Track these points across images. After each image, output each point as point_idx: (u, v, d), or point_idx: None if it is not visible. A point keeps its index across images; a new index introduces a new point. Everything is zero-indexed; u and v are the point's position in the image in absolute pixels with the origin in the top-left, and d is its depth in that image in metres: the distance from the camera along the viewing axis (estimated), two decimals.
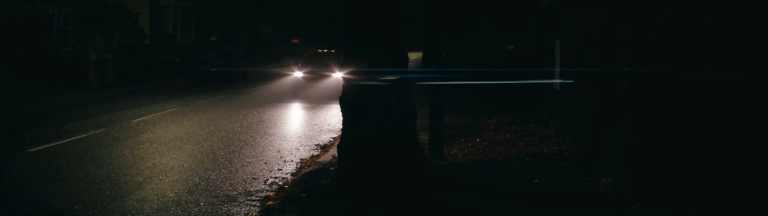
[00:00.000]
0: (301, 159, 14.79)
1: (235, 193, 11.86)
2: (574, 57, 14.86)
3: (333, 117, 21.43)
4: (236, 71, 36.31)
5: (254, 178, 12.93)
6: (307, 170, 13.09)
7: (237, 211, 10.80)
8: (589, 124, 12.91)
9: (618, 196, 10.33)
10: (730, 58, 9.42)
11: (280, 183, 12.47)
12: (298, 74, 28.10)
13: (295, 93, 27.72)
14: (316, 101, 25.93)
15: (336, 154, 11.56)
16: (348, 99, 10.71)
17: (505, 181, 11.58)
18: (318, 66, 28.24)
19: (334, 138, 17.26)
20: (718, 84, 9.46)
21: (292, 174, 13.26)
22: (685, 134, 9.58)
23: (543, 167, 12.58)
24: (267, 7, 52.48)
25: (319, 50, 32.55)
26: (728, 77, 9.44)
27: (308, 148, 16.25)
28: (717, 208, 9.36)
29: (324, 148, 16.12)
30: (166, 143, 16.61)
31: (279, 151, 15.73)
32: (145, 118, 21.07)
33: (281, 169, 13.74)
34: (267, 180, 12.80)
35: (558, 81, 16.92)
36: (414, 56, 12.81)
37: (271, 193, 11.74)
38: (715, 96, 9.40)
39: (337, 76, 26.13)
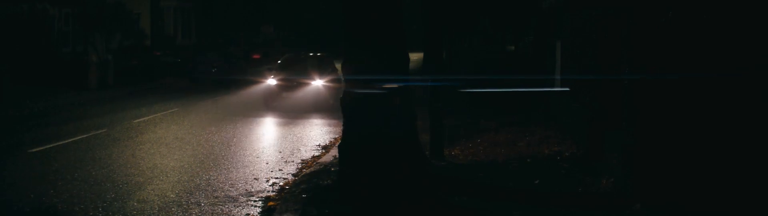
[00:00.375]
0: (302, 159, 14.79)
1: (236, 193, 11.87)
2: (574, 57, 14.87)
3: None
4: (236, 69, 36.07)
5: (255, 179, 12.95)
6: (308, 171, 13.10)
7: (238, 211, 10.81)
8: (589, 124, 12.91)
9: (618, 196, 10.33)
10: (730, 57, 9.43)
11: (281, 183, 12.48)
12: (271, 82, 24.27)
13: (268, 105, 24.00)
14: (299, 112, 22.98)
15: (336, 154, 11.56)
16: (348, 101, 10.72)
17: (506, 181, 11.59)
18: (295, 72, 24.39)
19: (335, 138, 17.27)
20: (719, 83, 9.46)
21: (293, 174, 13.27)
22: (685, 134, 9.58)
23: (543, 167, 12.58)
24: (267, 7, 52.47)
25: (299, 53, 28.91)
26: (729, 75, 9.44)
27: (309, 148, 16.26)
28: (717, 208, 9.36)
29: (325, 148, 16.13)
30: (167, 144, 16.62)
31: (280, 152, 15.74)
32: (145, 118, 21.08)
33: (282, 170, 13.75)
34: (268, 180, 12.82)
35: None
36: (415, 57, 12.80)
37: (272, 194, 11.76)
38: (715, 95, 9.41)
39: (318, 84, 23.75)
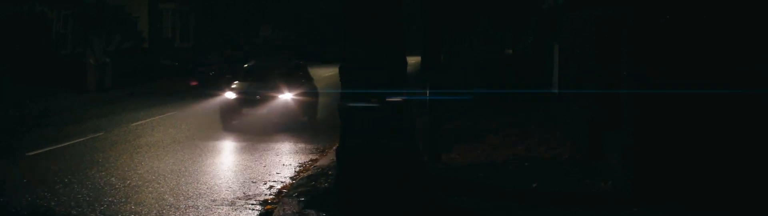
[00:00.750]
0: (299, 163, 14.69)
1: (233, 197, 11.80)
2: (574, 57, 14.80)
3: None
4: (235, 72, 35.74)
5: (253, 182, 12.87)
6: (305, 174, 12.99)
7: (235, 215, 10.76)
8: (589, 124, 12.86)
9: (618, 196, 10.30)
10: (731, 57, 9.40)
11: (279, 187, 12.41)
12: (229, 95, 20.17)
13: (226, 125, 19.94)
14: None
15: (334, 158, 11.49)
16: (346, 109, 10.64)
17: (506, 182, 11.54)
18: (260, 84, 20.58)
19: (333, 141, 17.15)
20: (718, 83, 9.44)
21: (291, 178, 13.18)
22: (685, 134, 9.54)
23: (543, 168, 12.53)
24: (267, 7, 52.42)
25: (267, 60, 24.58)
26: (728, 77, 9.41)
27: (307, 151, 16.13)
28: (717, 208, 9.33)
29: (322, 151, 15.99)
30: (164, 147, 16.54)
31: (277, 155, 15.64)
32: (143, 121, 20.99)
33: (280, 173, 13.66)
34: (266, 184, 12.74)
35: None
36: (412, 60, 12.67)
37: (270, 197, 11.70)
38: (714, 96, 9.37)
39: (286, 97, 19.95)
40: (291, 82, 20.52)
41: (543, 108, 19.30)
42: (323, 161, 14.16)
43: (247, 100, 19.88)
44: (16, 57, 29.06)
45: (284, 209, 10.37)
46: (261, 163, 14.70)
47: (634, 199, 9.93)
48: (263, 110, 19.81)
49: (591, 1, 13.03)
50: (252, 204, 11.33)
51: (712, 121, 9.46)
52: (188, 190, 12.22)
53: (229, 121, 19.95)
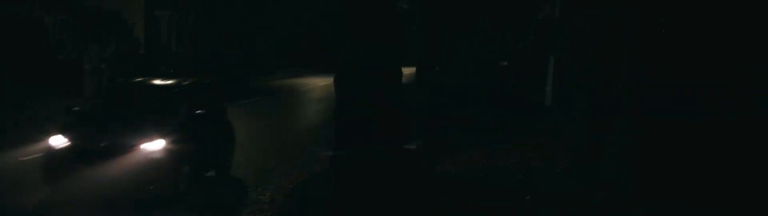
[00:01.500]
0: (297, 169, 14.42)
1: (229, 204, 11.76)
2: (574, 57, 14.81)
3: None
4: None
5: (249, 189, 12.76)
6: (301, 181, 12.86)
7: None
8: (589, 124, 12.87)
9: (618, 196, 10.30)
10: (731, 57, 9.42)
11: (275, 194, 12.21)
12: (54, 142, 12.22)
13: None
14: None
15: (330, 164, 11.40)
16: (344, 114, 10.64)
17: (505, 182, 11.55)
18: (115, 122, 12.52)
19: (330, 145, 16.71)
20: (718, 83, 9.46)
21: (288, 185, 12.97)
22: (685, 134, 9.56)
23: (543, 169, 12.53)
24: (267, 7, 52.43)
25: (135, 81, 14.02)
26: (728, 77, 9.44)
27: (303, 157, 15.84)
28: (717, 208, 9.34)
29: (318, 157, 15.70)
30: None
31: (274, 162, 15.50)
32: None
33: (276, 180, 13.46)
34: (262, 190, 12.59)
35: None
36: (407, 71, 12.42)
37: (265, 205, 11.55)
38: (714, 96, 9.40)
39: (157, 147, 12.15)
40: (174, 118, 12.66)
41: (539, 113, 19.34)
42: (320, 167, 13.89)
43: (86, 150, 12.00)
44: (15, 58, 29.07)
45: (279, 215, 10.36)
46: (258, 170, 14.39)
47: (634, 199, 9.93)
48: (113, 170, 11.92)
49: (591, 1, 13.05)
50: (247, 212, 11.23)
51: (711, 122, 9.48)
52: (183, 197, 12.12)
53: (51, 188, 12.05)
